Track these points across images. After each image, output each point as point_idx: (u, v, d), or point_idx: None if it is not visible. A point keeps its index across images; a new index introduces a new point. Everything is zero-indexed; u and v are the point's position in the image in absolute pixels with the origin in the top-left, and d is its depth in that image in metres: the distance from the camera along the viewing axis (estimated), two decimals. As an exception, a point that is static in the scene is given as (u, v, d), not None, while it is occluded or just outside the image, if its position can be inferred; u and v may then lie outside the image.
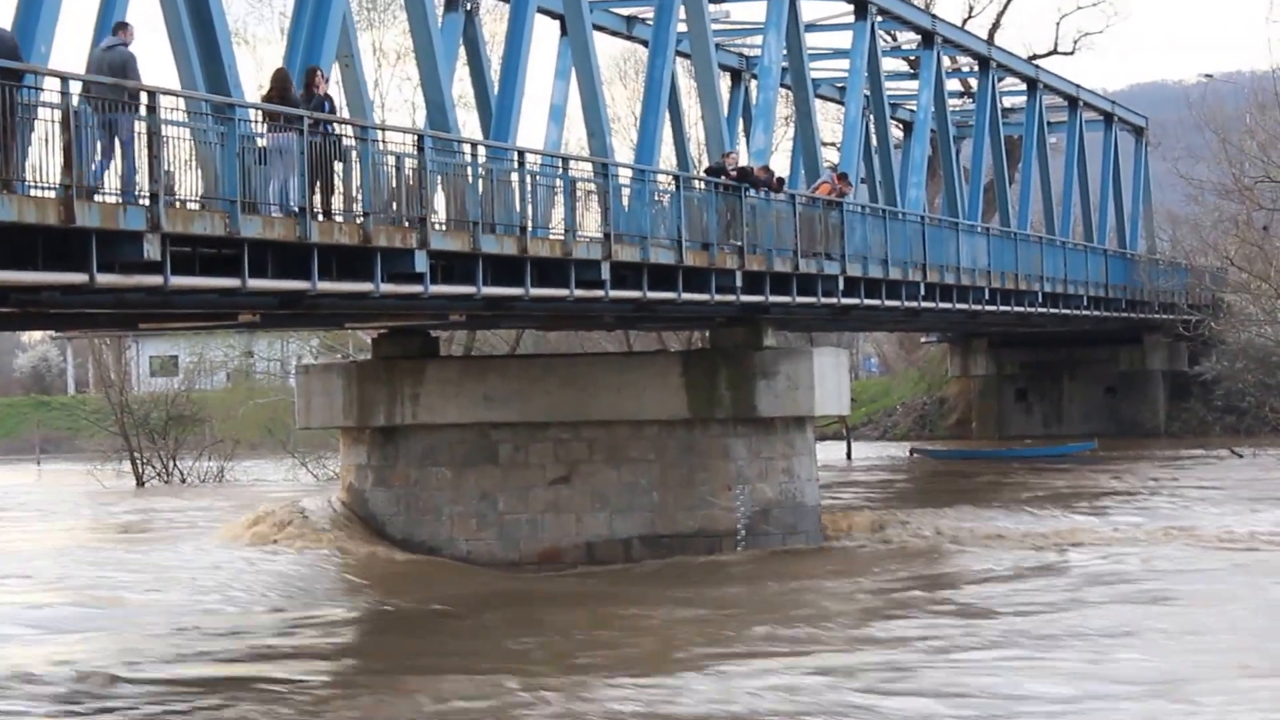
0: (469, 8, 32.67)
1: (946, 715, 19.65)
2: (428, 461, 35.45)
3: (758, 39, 41.46)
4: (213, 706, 21.61)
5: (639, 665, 23.37)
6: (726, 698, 20.74)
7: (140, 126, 20.03)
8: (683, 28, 35.80)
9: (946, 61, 53.00)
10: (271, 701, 21.77)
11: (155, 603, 31.24)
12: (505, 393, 35.13)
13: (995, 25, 76.82)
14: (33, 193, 18.54)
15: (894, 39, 61.69)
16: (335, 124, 24.48)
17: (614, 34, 41.90)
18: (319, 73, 24.45)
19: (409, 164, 25.13)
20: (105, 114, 20.02)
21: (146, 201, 19.84)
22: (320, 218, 23.00)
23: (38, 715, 21.47)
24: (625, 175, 31.61)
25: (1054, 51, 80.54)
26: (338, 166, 23.95)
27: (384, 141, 25.38)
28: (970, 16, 76.00)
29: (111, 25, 22.48)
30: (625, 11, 42.83)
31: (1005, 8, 78.23)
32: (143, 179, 20.18)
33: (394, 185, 24.85)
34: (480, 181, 27.09)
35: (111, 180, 19.85)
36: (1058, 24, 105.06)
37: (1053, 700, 20.27)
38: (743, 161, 36.37)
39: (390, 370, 35.83)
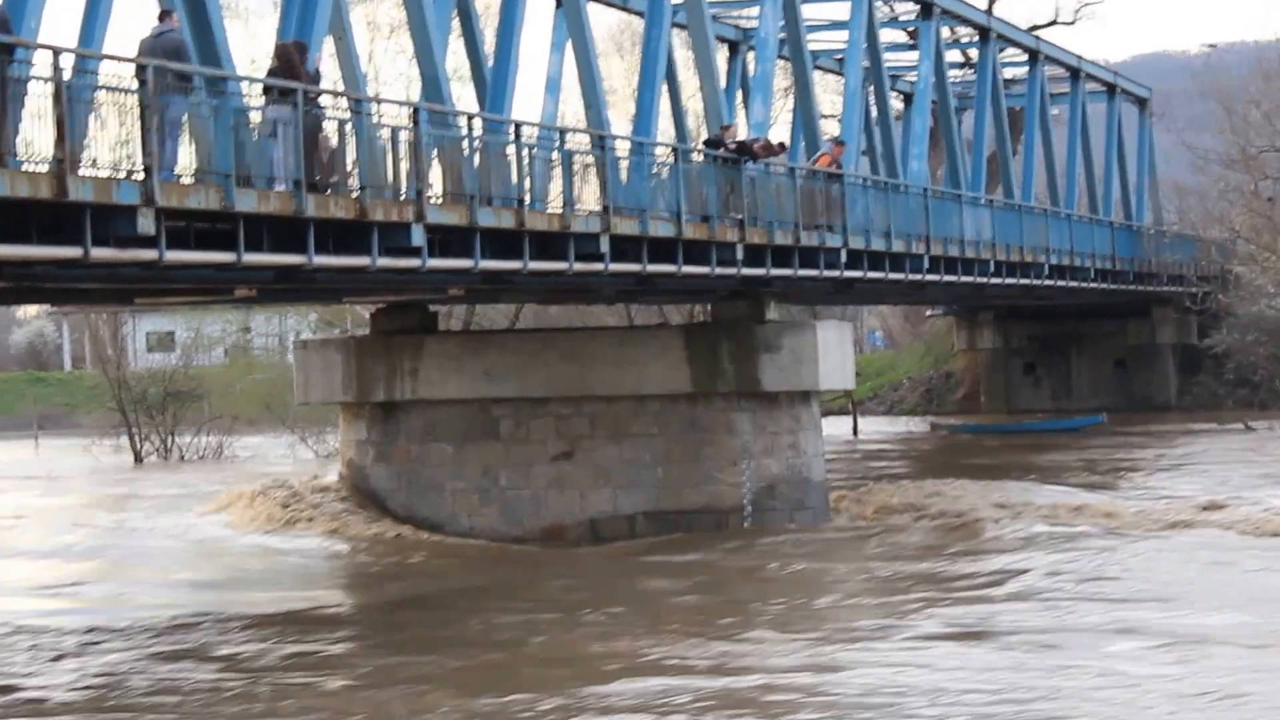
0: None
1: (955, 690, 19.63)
2: (428, 437, 35.53)
3: (755, 10, 41.39)
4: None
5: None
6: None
7: (132, 100, 20.08)
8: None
9: (946, 33, 53.00)
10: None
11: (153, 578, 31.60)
12: (505, 368, 35.16)
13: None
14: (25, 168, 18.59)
15: (892, 10, 61.72)
16: (330, 96, 24.56)
17: (609, 5, 41.78)
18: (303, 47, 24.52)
19: (404, 137, 25.18)
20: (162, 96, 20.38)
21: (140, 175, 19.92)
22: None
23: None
24: (623, 148, 31.60)
25: (1055, 22, 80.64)
26: (333, 140, 24.01)
27: (379, 115, 25.41)
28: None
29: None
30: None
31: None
32: (136, 152, 20.25)
33: (390, 159, 24.90)
34: (476, 155, 27.09)
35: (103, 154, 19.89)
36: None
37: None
38: (741, 134, 36.34)
39: (389, 345, 35.87)
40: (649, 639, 23.49)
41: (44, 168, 18.57)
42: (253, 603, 28.41)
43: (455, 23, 34.16)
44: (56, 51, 19.25)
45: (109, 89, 20.26)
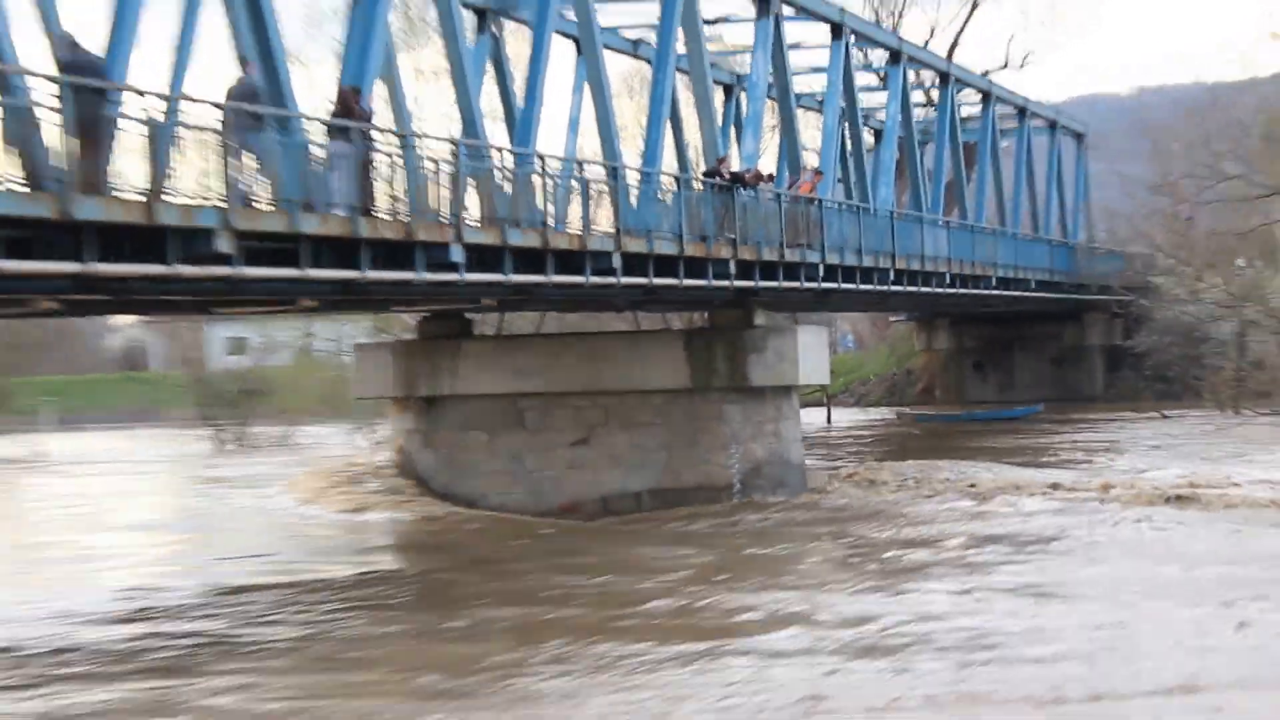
0: (495, 31, 32.65)
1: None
2: (466, 427, 35.50)
3: (747, 57, 41.30)
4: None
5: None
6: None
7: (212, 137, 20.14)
8: (682, 49, 35.71)
9: (911, 76, 52.94)
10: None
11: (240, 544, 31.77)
12: (531, 367, 35.12)
13: (954, 44, 76.52)
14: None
15: (865, 56, 61.64)
16: (379, 132, 24.58)
17: (622, 53, 41.82)
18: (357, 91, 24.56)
19: (445, 168, 25.18)
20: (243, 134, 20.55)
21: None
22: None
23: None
24: (633, 177, 31.55)
25: (1005, 66, 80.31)
26: (383, 170, 24.03)
27: (423, 149, 25.41)
28: (931, 36, 75.83)
29: (187, 45, 22.62)
30: (632, 35, 42.80)
31: (963, 29, 77.85)
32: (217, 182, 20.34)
33: (433, 187, 24.91)
34: (507, 183, 27.10)
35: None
36: (1008, 43, 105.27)
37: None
38: (735, 165, 36.30)
39: (432, 348, 35.88)
40: (651, 584, 23.97)
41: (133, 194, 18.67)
42: (324, 566, 28.68)
43: (489, 68, 34.24)
44: (144, 94, 19.36)
45: (192, 127, 20.32)
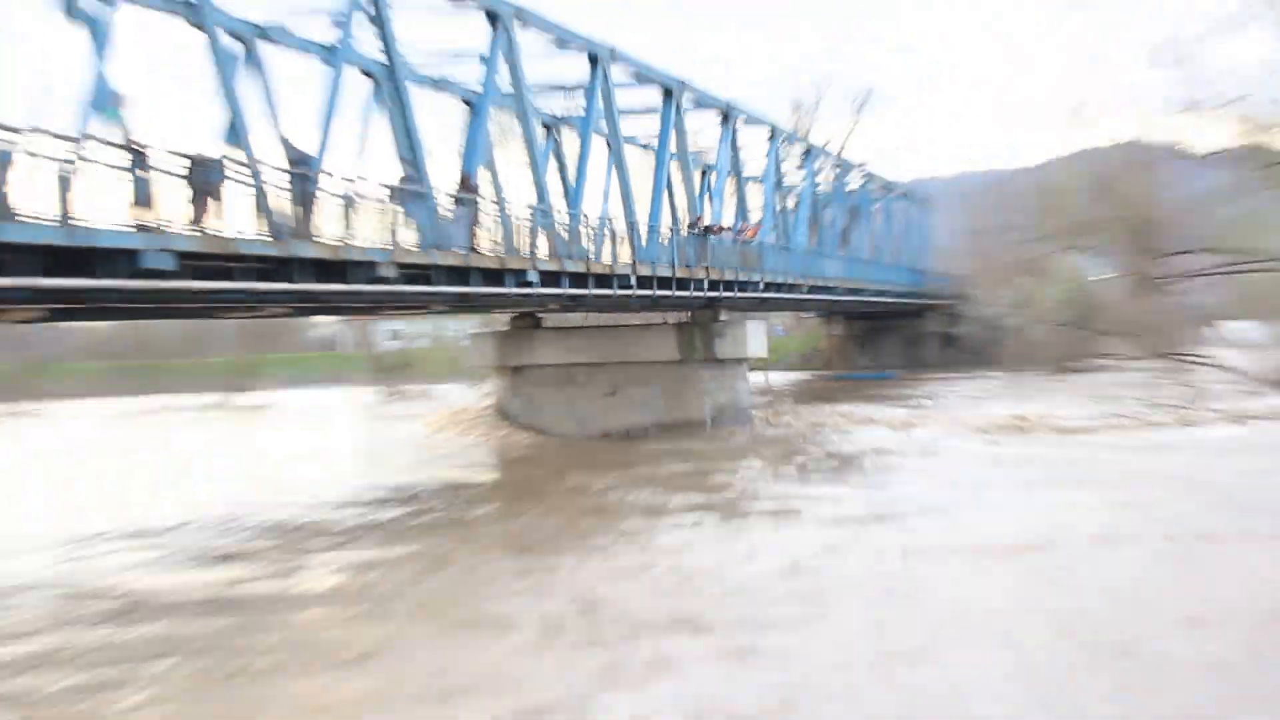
0: (556, 135, 32.52)
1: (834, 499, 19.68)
2: (538, 384, 35.51)
3: (714, 152, 41.14)
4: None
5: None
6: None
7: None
8: (673, 148, 35.62)
9: (822, 160, 52.76)
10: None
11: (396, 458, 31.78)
12: (579, 346, 35.15)
13: (843, 145, 75.96)
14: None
15: (789, 147, 61.31)
16: (484, 200, 24.59)
17: (636, 147, 41.66)
18: (467, 178, 24.58)
19: (525, 222, 25.19)
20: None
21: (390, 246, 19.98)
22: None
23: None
24: (643, 228, 31.54)
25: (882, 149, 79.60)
26: (487, 224, 24.05)
27: (511, 211, 25.43)
28: (828, 143, 75.32)
29: (363, 144, 22.52)
30: (643, 140, 42.67)
31: (850, 132, 77.25)
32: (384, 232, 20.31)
33: (517, 234, 24.94)
34: (564, 231, 27.10)
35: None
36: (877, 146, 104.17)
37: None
38: (707, 220, 36.25)
39: (517, 335, 35.86)
40: (662, 471, 23.93)
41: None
42: (449, 470, 28.66)
43: (552, 159, 34.14)
44: (334, 176, 19.37)
45: (366, 198, 20.36)
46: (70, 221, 14.60)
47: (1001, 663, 11.82)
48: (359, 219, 19.90)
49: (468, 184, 24.16)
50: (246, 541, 19.54)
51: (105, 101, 16.01)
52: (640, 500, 21.72)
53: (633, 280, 29.22)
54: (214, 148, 18.06)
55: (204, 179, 16.87)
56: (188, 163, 16.62)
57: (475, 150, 25.53)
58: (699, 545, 17.87)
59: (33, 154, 14.19)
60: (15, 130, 13.96)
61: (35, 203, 14.31)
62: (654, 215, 33.56)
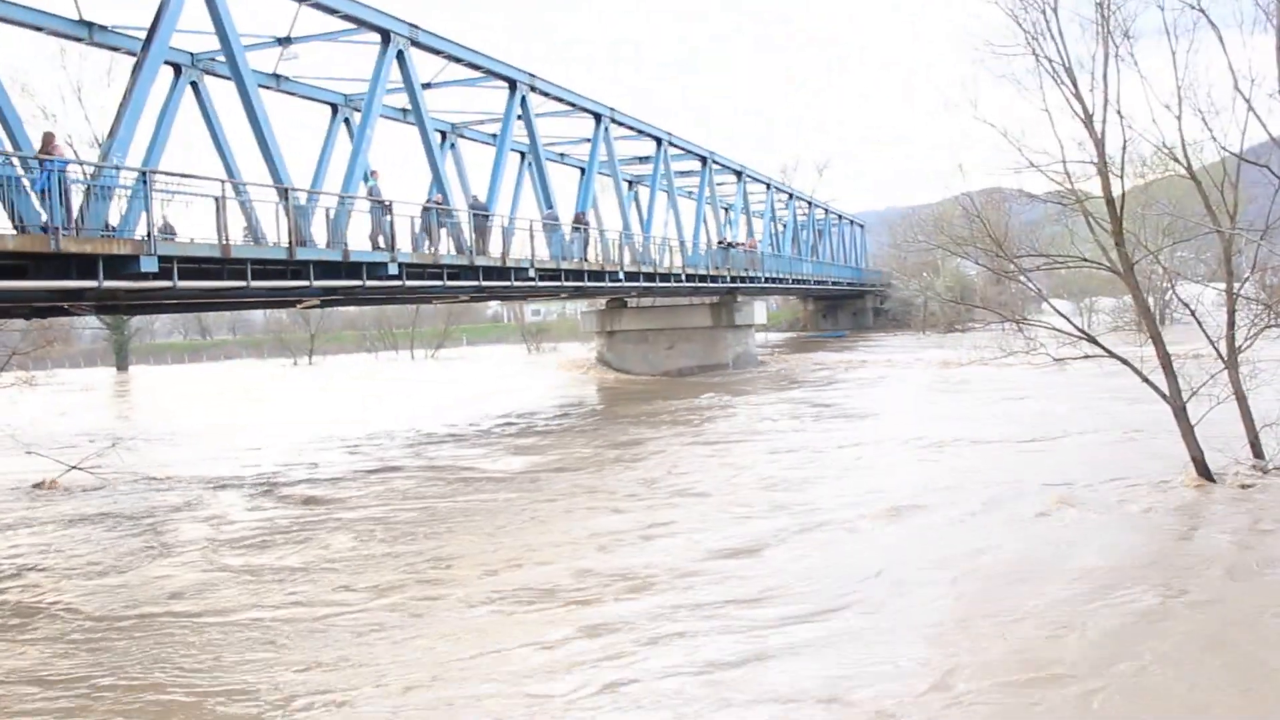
0: (635, 189, 32.22)
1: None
2: (626, 342, 35.30)
3: (733, 190, 40.34)
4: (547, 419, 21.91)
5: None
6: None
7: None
8: (708, 191, 34.97)
9: (799, 203, 51.80)
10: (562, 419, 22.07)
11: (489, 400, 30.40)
12: (649, 318, 34.90)
13: (813, 190, 74.29)
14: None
15: (769, 188, 59.93)
16: (590, 229, 24.36)
17: (687, 195, 40.41)
18: (581, 215, 24.00)
19: (616, 240, 24.89)
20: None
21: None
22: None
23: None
24: (689, 244, 31.15)
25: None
26: (594, 242, 23.72)
27: (610, 234, 25.18)
28: (817, 183, 73.62)
29: (517, 193, 22.25)
30: (691, 190, 41.42)
31: (816, 184, 75.40)
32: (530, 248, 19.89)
33: (613, 248, 24.66)
34: (640, 247, 26.86)
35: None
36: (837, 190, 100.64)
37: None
38: (729, 238, 35.84)
39: (611, 311, 35.53)
40: (702, 400, 23.23)
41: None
42: (555, 399, 27.98)
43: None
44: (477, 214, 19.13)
45: (521, 228, 20.20)
46: (345, 247, 14.97)
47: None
48: (515, 242, 19.97)
49: (581, 219, 24.09)
50: (525, 429, 19.54)
51: (364, 174, 16.37)
52: (692, 404, 22.01)
53: (683, 276, 28.95)
54: (427, 201, 18.29)
55: (425, 220, 17.21)
56: (417, 210, 16.94)
57: (585, 198, 25.42)
58: (735, 419, 18.76)
59: (326, 207, 14.57)
60: (321, 193, 14.31)
61: (319, 234, 14.67)
62: (695, 236, 33.30)
